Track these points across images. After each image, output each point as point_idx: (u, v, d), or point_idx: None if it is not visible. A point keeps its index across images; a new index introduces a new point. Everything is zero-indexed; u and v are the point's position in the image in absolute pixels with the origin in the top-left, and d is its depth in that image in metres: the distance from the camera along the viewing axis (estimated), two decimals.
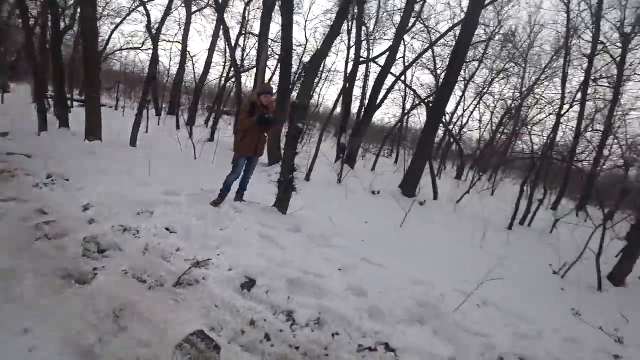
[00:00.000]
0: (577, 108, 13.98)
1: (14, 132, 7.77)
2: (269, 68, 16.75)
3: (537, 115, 17.90)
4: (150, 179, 5.58)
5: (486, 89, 19.71)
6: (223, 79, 16.78)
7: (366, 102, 11.87)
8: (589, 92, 13.62)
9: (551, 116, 16.33)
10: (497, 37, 17.37)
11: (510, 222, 8.17)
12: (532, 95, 17.91)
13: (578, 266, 5.95)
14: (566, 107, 13.11)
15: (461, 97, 19.47)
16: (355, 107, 17.51)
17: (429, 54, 17.30)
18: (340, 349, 2.78)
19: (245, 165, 4.82)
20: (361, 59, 12.73)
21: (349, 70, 12.62)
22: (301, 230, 4.38)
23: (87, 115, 7.97)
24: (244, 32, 16.46)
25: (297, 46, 19.50)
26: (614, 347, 3.78)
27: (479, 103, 20.07)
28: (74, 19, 13.01)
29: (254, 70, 13.81)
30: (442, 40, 14.98)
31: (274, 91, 4.46)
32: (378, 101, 11.92)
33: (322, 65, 18.97)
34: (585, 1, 12.74)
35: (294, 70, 11.81)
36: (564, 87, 11.22)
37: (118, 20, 18.94)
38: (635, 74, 13.86)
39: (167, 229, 3.98)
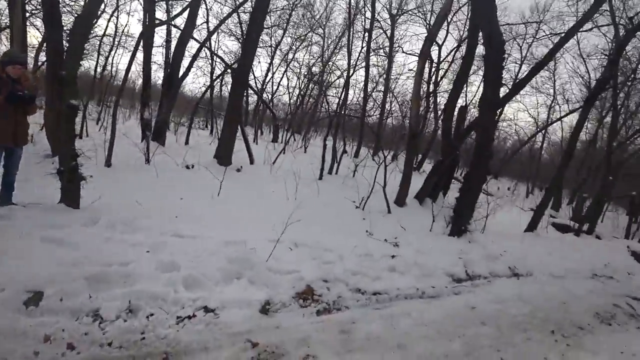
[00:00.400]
0: (363, 73, 16.65)
1: None
2: (34, 27, 13.33)
3: (335, 80, 20.39)
4: None
5: (291, 55, 21.05)
6: None
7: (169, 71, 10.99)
8: (371, 61, 16.41)
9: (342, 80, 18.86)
10: (298, 6, 18.56)
11: (320, 173, 9.28)
12: (330, 62, 20.15)
13: (373, 198, 7.40)
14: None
15: (270, 63, 20.25)
16: (159, 77, 16.01)
17: (235, 19, 17.13)
18: (158, 327, 2.70)
19: (4, 159, 3.85)
20: (157, 21, 11.53)
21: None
22: (99, 221, 3.87)
23: None
24: None
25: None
26: (393, 250, 4.97)
27: (286, 69, 21.32)
28: None
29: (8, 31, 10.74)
30: (247, 5, 14.97)
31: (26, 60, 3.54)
32: (183, 70, 11.21)
33: (115, 29, 16.34)
34: None
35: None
36: (349, 56, 13.08)
37: None
38: (400, 47, 17.41)
39: None
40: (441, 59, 18.20)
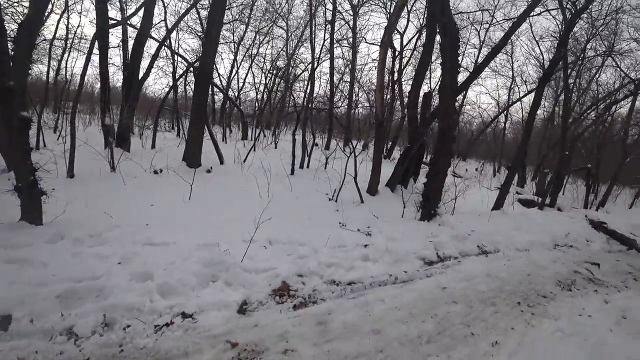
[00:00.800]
0: (328, 65, 16.68)
1: None
2: None
3: (301, 73, 20.30)
4: None
5: (255, 50, 20.77)
6: None
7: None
8: (335, 52, 16.45)
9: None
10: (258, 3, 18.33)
11: (291, 168, 9.31)
12: (295, 55, 20.03)
13: (345, 189, 7.52)
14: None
15: (234, 59, 19.88)
16: (119, 79, 15.41)
17: (194, 16, 16.70)
18: (135, 338, 2.71)
19: None
20: (112, 21, 11.09)
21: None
22: (64, 236, 3.77)
23: None
24: None
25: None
26: (365, 240, 5.12)
27: (251, 65, 21.02)
28: None
29: None
30: (205, 1, 14.61)
31: None
32: (143, 71, 10.87)
33: (66, 30, 15.55)
34: None
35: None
36: (312, 49, 13.06)
37: None
38: (363, 37, 17.56)
39: None
40: (403, 47, 18.50)
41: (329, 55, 16.47)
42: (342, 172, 7.87)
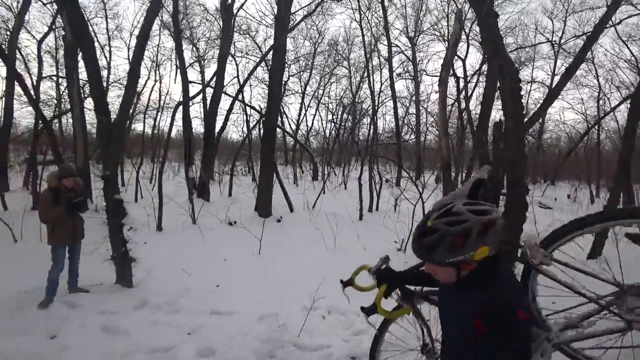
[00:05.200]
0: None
1: None
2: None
3: (367, 108, 20.65)
4: None
5: (321, 91, 21.79)
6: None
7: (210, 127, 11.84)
8: (398, 85, 16.58)
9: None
10: (320, 47, 19.52)
11: (360, 213, 9.27)
12: (360, 91, 20.58)
13: None
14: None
15: (301, 103, 21.07)
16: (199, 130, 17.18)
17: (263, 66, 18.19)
18: None
19: (68, 252, 4.37)
20: (193, 83, 12.68)
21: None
22: (147, 302, 4.20)
23: None
24: (48, 76, 14.48)
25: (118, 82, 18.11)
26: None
27: (318, 106, 22.01)
28: None
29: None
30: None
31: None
32: (220, 126, 12.03)
33: (159, 93, 18.01)
34: (373, 15, 15.28)
35: None
36: (372, 90, 13.29)
37: None
38: (423, 70, 17.51)
39: None
40: (467, 76, 17.79)
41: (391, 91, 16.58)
42: (411, 217, 7.60)
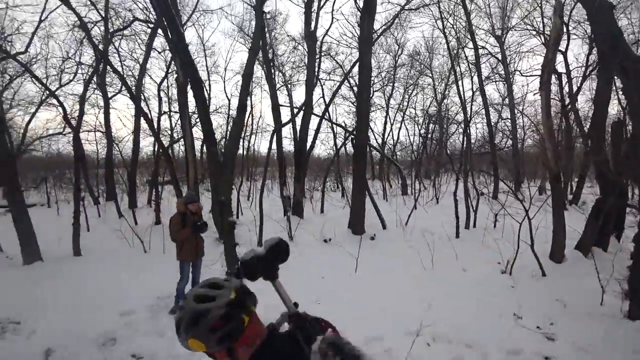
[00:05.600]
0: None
1: None
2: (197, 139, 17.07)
3: (455, 116, 19.70)
4: (102, 299, 5.43)
5: (406, 103, 21.48)
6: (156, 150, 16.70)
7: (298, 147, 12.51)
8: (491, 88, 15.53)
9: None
10: (401, 59, 19.40)
11: (456, 231, 8.79)
12: (446, 99, 19.81)
13: (522, 254, 6.49)
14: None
15: (386, 116, 21.00)
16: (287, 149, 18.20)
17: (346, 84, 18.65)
18: None
19: (192, 267, 5.00)
20: (281, 105, 13.51)
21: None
22: None
23: (19, 234, 7.35)
24: (165, 112, 16.81)
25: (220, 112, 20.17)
26: (547, 347, 4.10)
27: (403, 118, 21.69)
28: None
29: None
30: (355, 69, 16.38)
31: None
32: (308, 145, 12.58)
33: (251, 118, 19.62)
34: (456, 20, 14.66)
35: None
36: (460, 94, 12.64)
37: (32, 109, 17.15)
38: (517, 70, 16.11)
39: (134, 356, 4.03)
40: (570, 68, 15.66)
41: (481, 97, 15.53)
42: (516, 231, 6.88)
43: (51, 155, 20.56)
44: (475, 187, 10.68)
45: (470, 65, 14.51)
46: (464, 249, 7.58)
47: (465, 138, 10.80)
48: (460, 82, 11.31)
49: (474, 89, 14.75)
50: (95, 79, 13.96)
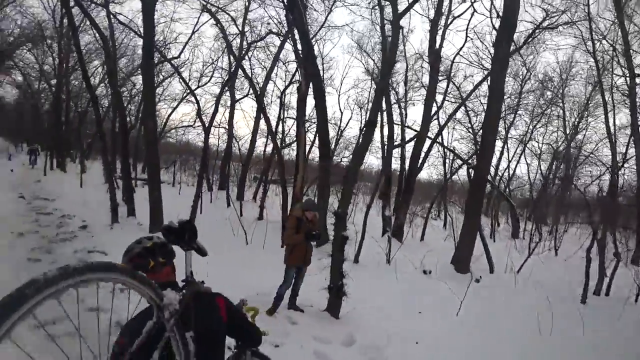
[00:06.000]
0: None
1: (91, 223, 8.52)
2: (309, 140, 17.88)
3: (589, 156, 17.06)
4: (208, 281, 5.86)
5: (528, 135, 19.32)
6: (268, 152, 18.14)
7: (406, 167, 12.10)
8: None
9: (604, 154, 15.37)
10: (528, 85, 17.64)
11: (582, 294, 7.44)
12: (579, 133, 17.39)
13: None
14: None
15: (503, 147, 19.09)
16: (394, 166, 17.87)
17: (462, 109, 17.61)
18: None
19: (296, 273, 5.06)
20: (395, 124, 13.23)
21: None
22: (355, 340, 4.41)
23: (151, 206, 8.63)
24: (282, 117, 17.99)
25: (332, 123, 20.80)
26: None
27: (523, 151, 19.51)
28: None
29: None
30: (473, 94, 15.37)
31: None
32: (418, 166, 12.09)
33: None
34: (609, 42, 12.65)
35: None
36: (608, 130, 10.73)
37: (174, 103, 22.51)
38: None
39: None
40: None
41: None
42: None
43: (181, 143, 25.56)
44: (615, 246, 8.96)
45: (620, 94, 12.40)
46: (593, 322, 6.22)
47: (611, 184, 9.17)
48: (613, 115, 9.65)
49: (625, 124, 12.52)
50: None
